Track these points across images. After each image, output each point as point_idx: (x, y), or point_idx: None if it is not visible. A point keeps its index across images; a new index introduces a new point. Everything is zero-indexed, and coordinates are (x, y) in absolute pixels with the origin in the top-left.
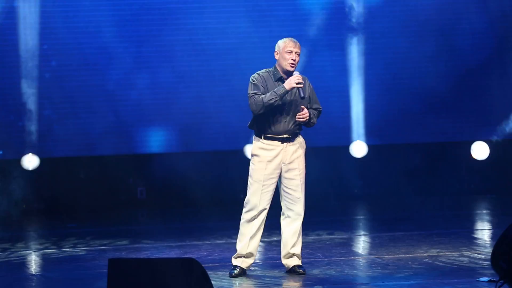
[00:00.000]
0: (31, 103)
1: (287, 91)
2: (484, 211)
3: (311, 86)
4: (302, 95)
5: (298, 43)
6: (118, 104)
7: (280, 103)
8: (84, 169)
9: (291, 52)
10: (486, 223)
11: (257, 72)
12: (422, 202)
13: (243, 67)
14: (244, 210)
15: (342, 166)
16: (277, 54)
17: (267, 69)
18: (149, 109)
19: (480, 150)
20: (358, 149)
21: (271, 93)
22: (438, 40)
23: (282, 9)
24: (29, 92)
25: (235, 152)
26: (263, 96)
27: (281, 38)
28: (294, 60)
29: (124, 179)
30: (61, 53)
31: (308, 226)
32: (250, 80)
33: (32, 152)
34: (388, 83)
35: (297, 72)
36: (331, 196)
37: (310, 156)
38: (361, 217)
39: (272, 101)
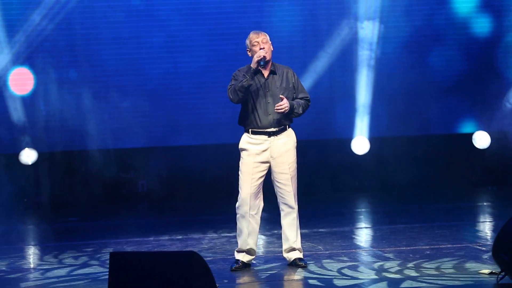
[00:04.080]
0: (29, 96)
1: (254, 70)
2: (485, 203)
3: (295, 76)
4: (261, 63)
5: (261, 33)
6: (118, 97)
7: (251, 83)
8: (85, 162)
9: (258, 43)
10: (487, 215)
11: (238, 69)
12: (423, 195)
13: (244, 62)
14: (237, 204)
15: (343, 158)
16: (249, 51)
17: (248, 65)
18: (149, 102)
19: (482, 139)
20: (360, 145)
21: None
22: (441, 32)
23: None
24: (27, 85)
25: (236, 145)
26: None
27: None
28: (264, 48)
29: (125, 172)
30: (58, 46)
31: (309, 219)
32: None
33: (28, 147)
34: (390, 75)
35: (264, 51)
36: (332, 188)
37: (311, 148)
38: (362, 209)
39: (242, 83)
